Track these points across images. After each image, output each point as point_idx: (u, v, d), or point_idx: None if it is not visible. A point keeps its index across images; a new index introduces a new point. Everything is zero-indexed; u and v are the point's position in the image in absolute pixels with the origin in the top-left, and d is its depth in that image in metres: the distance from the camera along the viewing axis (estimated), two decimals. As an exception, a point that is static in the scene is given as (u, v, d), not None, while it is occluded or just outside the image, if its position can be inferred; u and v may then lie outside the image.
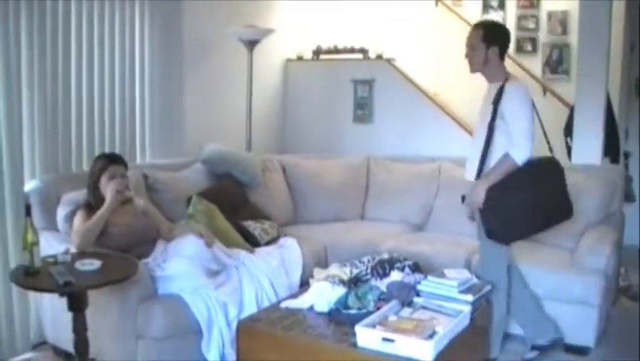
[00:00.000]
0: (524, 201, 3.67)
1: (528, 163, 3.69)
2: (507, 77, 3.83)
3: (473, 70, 3.93)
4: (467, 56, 3.91)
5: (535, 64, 7.32)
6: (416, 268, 3.89)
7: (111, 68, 4.65)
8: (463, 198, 3.84)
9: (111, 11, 4.61)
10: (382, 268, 3.84)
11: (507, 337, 4.24)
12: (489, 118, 3.77)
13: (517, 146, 3.66)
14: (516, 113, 3.69)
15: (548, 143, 3.96)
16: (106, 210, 3.65)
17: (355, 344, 3.05)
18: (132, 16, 4.81)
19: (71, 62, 4.34)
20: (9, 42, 3.83)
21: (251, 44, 5.63)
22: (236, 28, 5.59)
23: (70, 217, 3.83)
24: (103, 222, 3.63)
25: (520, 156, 3.65)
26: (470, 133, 4.85)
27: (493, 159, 3.77)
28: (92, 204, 3.76)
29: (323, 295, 3.52)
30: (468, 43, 3.89)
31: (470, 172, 3.91)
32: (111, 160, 3.85)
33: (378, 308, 3.33)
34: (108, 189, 3.72)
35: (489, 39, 3.81)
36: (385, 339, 2.96)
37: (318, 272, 3.91)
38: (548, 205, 3.74)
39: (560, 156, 5.92)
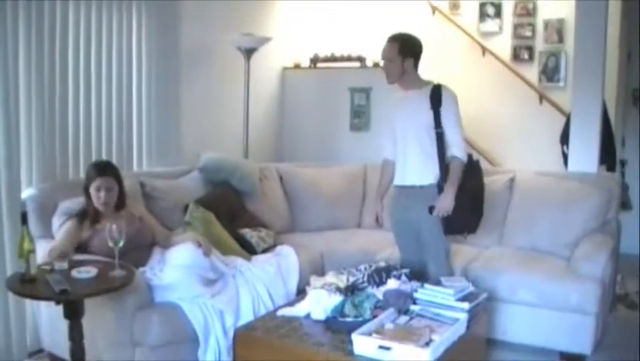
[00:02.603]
0: (470, 196, 3.98)
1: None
2: (430, 83, 4.07)
3: (390, 81, 4.13)
4: (384, 68, 4.11)
5: (531, 72, 7.33)
6: (412, 276, 3.89)
7: (108, 75, 4.66)
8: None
9: (109, 17, 4.62)
10: (379, 276, 3.85)
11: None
12: (427, 124, 3.97)
13: (459, 146, 3.98)
14: (456, 117, 4.00)
15: None
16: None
17: (351, 352, 3.06)
18: (129, 24, 4.82)
19: (68, 68, 4.35)
20: (7, 49, 3.85)
21: (249, 52, 5.64)
22: (234, 36, 5.60)
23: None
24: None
25: (465, 155, 4.00)
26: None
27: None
28: (86, 212, 3.77)
29: (320, 303, 3.52)
30: (385, 56, 4.08)
31: (420, 177, 4.04)
32: (98, 172, 3.81)
33: (374, 316, 3.33)
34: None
35: (405, 52, 4.02)
36: (381, 347, 2.97)
37: (315, 280, 3.92)
38: (480, 194, 4.10)
39: (556, 163, 6.00)
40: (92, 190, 3.77)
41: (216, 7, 5.67)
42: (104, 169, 3.86)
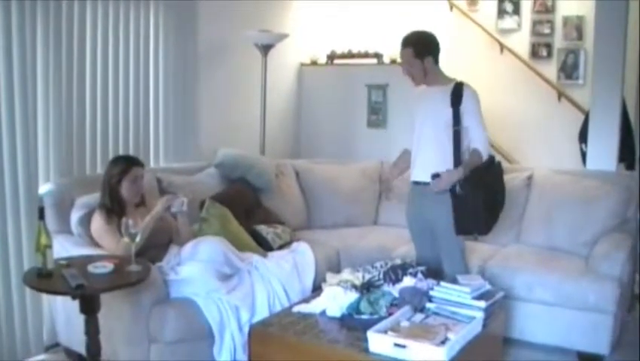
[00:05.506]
0: (484, 197, 3.90)
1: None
2: (453, 80, 4.02)
3: (417, 83, 4.11)
4: (407, 73, 4.07)
5: (550, 69, 7.29)
6: (428, 273, 3.87)
7: (125, 72, 4.68)
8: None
9: (126, 15, 4.64)
10: (395, 273, 3.83)
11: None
12: (445, 121, 3.92)
13: (483, 144, 3.92)
14: (478, 115, 3.95)
15: None
16: (152, 220, 3.74)
17: (366, 350, 3.05)
18: (147, 21, 4.83)
19: (86, 65, 4.37)
20: (25, 46, 3.87)
21: (266, 49, 5.64)
22: (251, 32, 5.60)
23: (83, 220, 3.85)
24: (149, 230, 3.67)
25: (487, 153, 3.95)
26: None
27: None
28: (109, 206, 3.78)
29: (335, 300, 3.51)
30: (403, 61, 4.06)
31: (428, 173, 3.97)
32: (132, 162, 3.88)
33: (390, 314, 3.32)
34: (160, 201, 3.85)
35: (421, 53, 3.98)
36: (397, 345, 2.96)
37: (331, 277, 3.91)
38: (496, 197, 4.04)
39: (575, 162, 5.95)
40: (126, 182, 3.80)
41: (233, 3, 5.67)
42: (136, 159, 3.95)
